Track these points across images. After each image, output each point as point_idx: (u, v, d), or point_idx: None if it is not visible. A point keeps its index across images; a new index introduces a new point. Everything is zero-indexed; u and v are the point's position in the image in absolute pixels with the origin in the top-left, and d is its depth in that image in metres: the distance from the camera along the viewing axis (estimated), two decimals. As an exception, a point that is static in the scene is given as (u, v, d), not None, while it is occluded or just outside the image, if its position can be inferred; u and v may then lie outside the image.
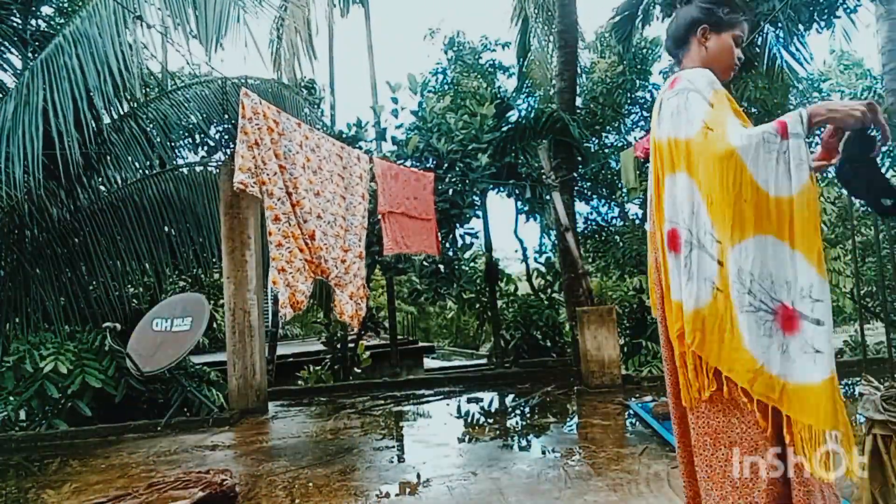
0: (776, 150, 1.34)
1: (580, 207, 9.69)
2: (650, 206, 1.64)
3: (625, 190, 6.78)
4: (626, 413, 4.37)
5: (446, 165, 6.47)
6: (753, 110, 6.92)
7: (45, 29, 6.28)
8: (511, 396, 5.63)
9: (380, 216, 4.74)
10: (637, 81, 9.37)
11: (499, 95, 8.58)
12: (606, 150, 9.58)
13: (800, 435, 1.28)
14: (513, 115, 8.22)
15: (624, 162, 5.95)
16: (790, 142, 1.33)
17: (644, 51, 9.57)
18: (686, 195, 1.44)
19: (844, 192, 7.26)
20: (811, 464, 1.26)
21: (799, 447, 1.28)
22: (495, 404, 5.43)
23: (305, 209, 3.74)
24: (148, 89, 7.48)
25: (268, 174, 3.54)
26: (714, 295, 1.38)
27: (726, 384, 1.38)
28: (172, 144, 7.06)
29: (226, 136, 7.76)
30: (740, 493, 1.35)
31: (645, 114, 9.58)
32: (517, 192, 8.35)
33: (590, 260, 9.93)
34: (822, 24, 7.37)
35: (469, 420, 4.76)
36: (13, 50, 5.96)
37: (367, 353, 8.01)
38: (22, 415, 4.94)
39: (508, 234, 11.52)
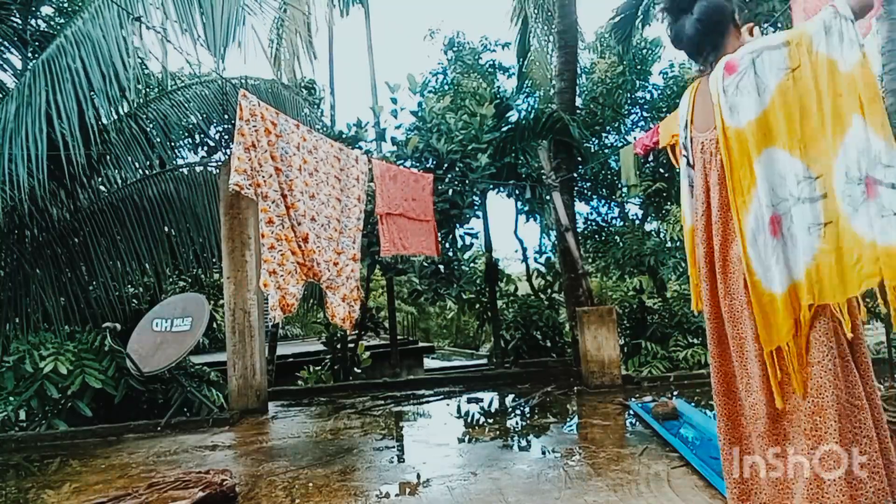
0: (836, 31, 1.44)
1: (580, 207, 9.69)
2: (714, 196, 1.62)
3: (625, 188, 6.73)
4: (626, 413, 4.38)
5: (446, 166, 6.47)
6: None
7: (46, 29, 6.28)
8: (511, 396, 5.63)
9: (377, 217, 4.75)
10: (637, 82, 9.37)
11: (499, 95, 8.58)
12: (606, 151, 9.58)
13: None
14: (513, 116, 8.21)
15: (624, 160, 5.93)
16: (842, 21, 1.45)
17: (644, 51, 9.57)
18: (781, 165, 1.48)
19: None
20: None
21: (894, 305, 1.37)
22: (495, 404, 5.43)
23: (300, 212, 3.73)
24: (148, 89, 7.49)
25: (263, 176, 3.54)
26: (822, 233, 1.44)
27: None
28: (172, 144, 7.06)
29: (226, 137, 7.76)
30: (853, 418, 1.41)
31: (645, 114, 9.57)
32: (517, 192, 8.35)
33: (590, 260, 9.92)
34: (822, 24, 7.34)
35: (469, 420, 4.76)
36: (13, 50, 5.96)
37: (367, 353, 8.01)
38: (22, 415, 4.94)
39: (508, 234, 11.52)
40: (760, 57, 1.50)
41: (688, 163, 1.74)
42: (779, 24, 6.90)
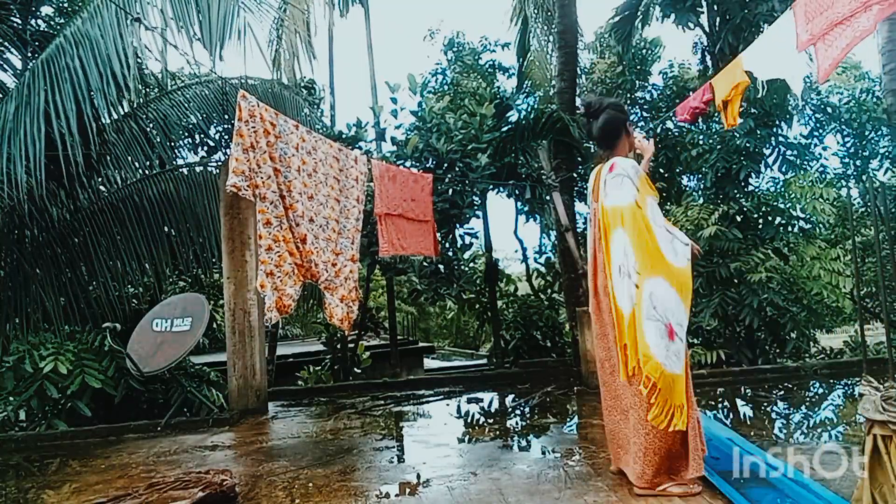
0: (673, 245, 2.43)
1: (580, 207, 9.66)
2: (594, 245, 2.62)
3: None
4: (626, 413, 4.37)
5: (446, 166, 6.47)
6: (753, 110, 6.91)
7: (45, 29, 6.28)
8: (511, 396, 5.63)
9: (376, 218, 4.74)
10: (637, 82, 9.36)
11: (498, 95, 8.57)
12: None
13: (658, 401, 2.26)
14: (512, 116, 8.21)
15: None
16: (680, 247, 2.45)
17: (644, 51, 9.56)
18: (623, 243, 2.37)
19: (844, 192, 7.27)
20: (657, 417, 2.26)
21: (658, 409, 2.27)
22: (495, 404, 5.43)
23: (298, 213, 3.73)
24: (148, 89, 7.48)
25: (261, 178, 3.54)
26: (632, 308, 2.31)
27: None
28: (172, 144, 7.06)
29: (226, 136, 7.76)
30: (654, 429, 2.33)
31: (645, 114, 9.57)
32: (517, 192, 8.34)
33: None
34: (822, 24, 7.33)
35: (469, 420, 4.76)
36: (13, 50, 5.96)
37: (367, 353, 8.01)
38: (22, 415, 4.94)
39: (508, 234, 11.51)
40: (628, 179, 2.43)
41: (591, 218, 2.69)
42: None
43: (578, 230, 7.79)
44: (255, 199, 3.52)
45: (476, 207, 7.27)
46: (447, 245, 7.06)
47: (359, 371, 7.69)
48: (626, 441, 2.47)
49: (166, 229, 6.38)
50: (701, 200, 7.32)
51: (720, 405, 4.80)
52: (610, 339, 2.51)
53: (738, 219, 6.81)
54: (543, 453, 3.50)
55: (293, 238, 3.72)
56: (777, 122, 7.12)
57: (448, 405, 5.36)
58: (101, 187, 6.49)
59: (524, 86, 10.69)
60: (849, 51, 2.57)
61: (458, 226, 7.03)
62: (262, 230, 3.56)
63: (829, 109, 8.17)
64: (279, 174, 3.66)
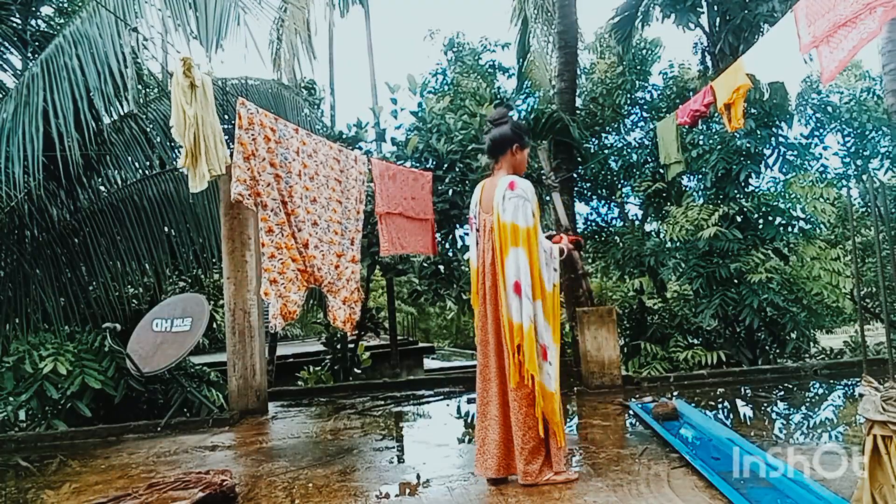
0: (548, 271, 2.74)
1: (580, 208, 9.69)
2: (486, 256, 2.77)
3: (662, 168, 5.76)
4: (626, 414, 4.37)
5: (446, 166, 6.47)
6: (753, 111, 6.92)
7: (45, 29, 6.28)
8: (511, 397, 5.62)
9: (377, 217, 4.74)
10: (637, 82, 9.37)
11: (498, 96, 8.58)
12: (606, 151, 9.58)
13: (542, 412, 2.66)
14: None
15: (661, 134, 5.24)
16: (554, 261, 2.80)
17: (644, 51, 9.56)
18: (520, 262, 2.59)
19: (844, 192, 7.28)
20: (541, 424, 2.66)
21: (539, 412, 2.66)
22: (495, 405, 5.41)
23: (300, 218, 3.72)
24: (148, 89, 7.48)
25: (262, 185, 3.53)
26: (530, 326, 2.59)
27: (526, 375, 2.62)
28: (172, 144, 7.05)
29: (225, 137, 7.74)
30: (530, 430, 2.66)
31: (644, 114, 9.57)
32: (517, 192, 8.31)
33: (590, 261, 9.92)
34: (822, 24, 7.33)
35: (469, 420, 4.76)
36: (13, 50, 5.96)
37: (367, 353, 8.01)
38: (22, 415, 4.94)
39: (508, 234, 11.44)
40: (527, 202, 2.62)
41: (476, 228, 2.86)
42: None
43: (578, 231, 7.78)
44: (256, 208, 3.52)
45: (476, 208, 7.25)
46: (447, 246, 7.06)
47: (359, 371, 7.69)
48: (492, 447, 2.71)
49: (166, 229, 6.37)
50: (701, 201, 7.33)
51: (720, 405, 4.80)
52: (491, 347, 2.73)
53: (739, 219, 6.82)
54: (543, 453, 3.49)
55: (296, 244, 3.71)
56: (777, 123, 7.13)
57: (448, 405, 5.36)
58: (101, 187, 6.49)
59: (524, 86, 10.70)
60: (855, 53, 2.56)
61: (458, 226, 7.03)
62: (265, 238, 3.55)
63: (830, 109, 8.18)
64: (280, 180, 3.66)
